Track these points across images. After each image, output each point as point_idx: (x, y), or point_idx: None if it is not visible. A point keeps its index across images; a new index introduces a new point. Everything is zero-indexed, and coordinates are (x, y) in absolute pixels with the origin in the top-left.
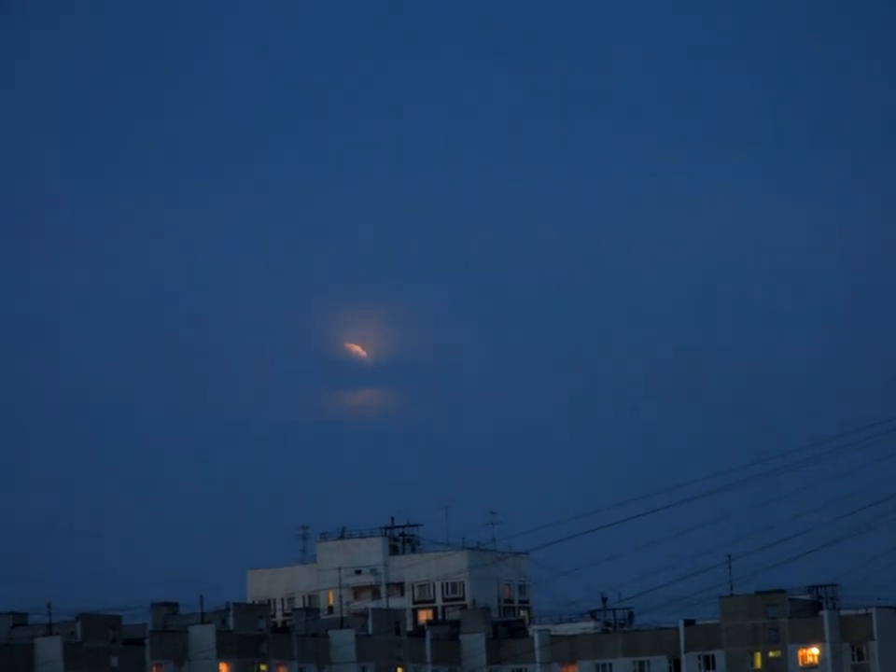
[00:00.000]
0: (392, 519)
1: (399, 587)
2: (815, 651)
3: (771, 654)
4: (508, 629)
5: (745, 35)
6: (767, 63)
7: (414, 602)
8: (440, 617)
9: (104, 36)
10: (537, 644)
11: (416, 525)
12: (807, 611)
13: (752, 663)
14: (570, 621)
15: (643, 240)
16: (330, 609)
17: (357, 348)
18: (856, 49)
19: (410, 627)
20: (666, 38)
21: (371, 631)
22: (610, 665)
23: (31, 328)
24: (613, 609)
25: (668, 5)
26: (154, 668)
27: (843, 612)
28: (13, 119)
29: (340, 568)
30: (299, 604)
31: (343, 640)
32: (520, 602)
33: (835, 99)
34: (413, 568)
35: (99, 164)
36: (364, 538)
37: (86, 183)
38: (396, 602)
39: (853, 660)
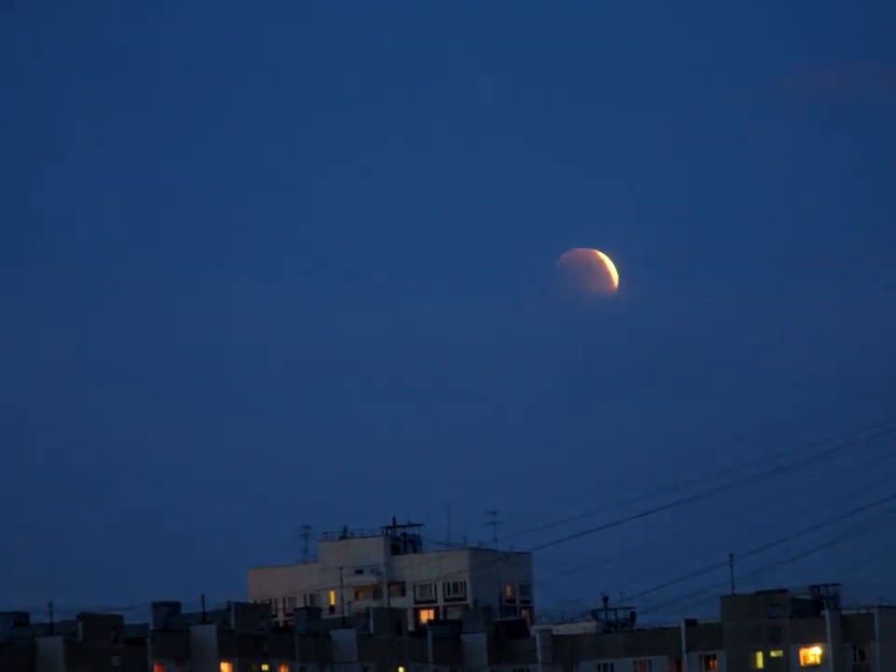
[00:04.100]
0: (393, 519)
1: (401, 587)
2: (816, 650)
3: (772, 654)
4: (509, 629)
5: None
6: None
7: (416, 602)
8: (441, 617)
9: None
10: (538, 644)
11: (418, 525)
12: (809, 611)
13: (754, 663)
14: (572, 621)
15: None
16: (332, 608)
17: None
18: None
19: (411, 627)
20: None
21: (372, 631)
22: (612, 664)
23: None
24: (615, 609)
25: None
26: (155, 668)
27: (844, 612)
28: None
29: (341, 568)
30: (300, 603)
31: (345, 640)
32: (521, 602)
33: None
34: (415, 568)
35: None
36: (365, 537)
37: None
38: (397, 602)
39: (854, 660)
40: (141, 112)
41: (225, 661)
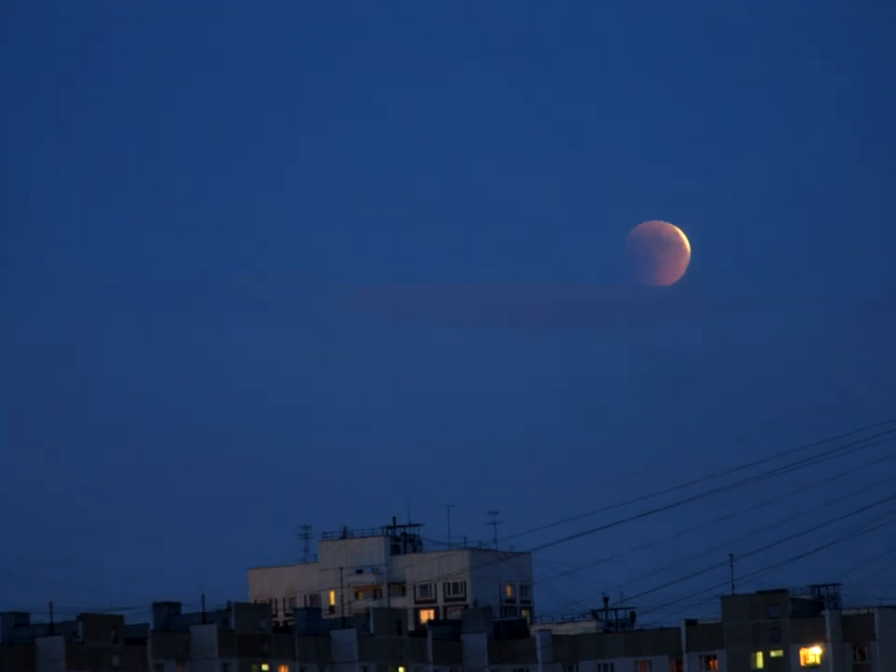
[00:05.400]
0: (393, 519)
1: (401, 587)
2: (816, 650)
3: (772, 654)
4: (509, 629)
5: None
6: None
7: (416, 602)
8: (441, 617)
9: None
10: (538, 644)
11: (418, 525)
12: (809, 611)
13: (754, 663)
14: (572, 621)
15: None
16: (332, 608)
17: None
18: None
19: (411, 627)
20: None
21: (372, 631)
22: (612, 664)
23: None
24: (615, 609)
25: None
26: (156, 668)
27: (844, 612)
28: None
29: (341, 568)
30: (300, 603)
31: (345, 640)
32: (521, 602)
33: None
34: (415, 568)
35: None
36: (366, 537)
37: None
38: (397, 602)
39: (855, 660)
40: (144, 135)
41: (225, 661)
